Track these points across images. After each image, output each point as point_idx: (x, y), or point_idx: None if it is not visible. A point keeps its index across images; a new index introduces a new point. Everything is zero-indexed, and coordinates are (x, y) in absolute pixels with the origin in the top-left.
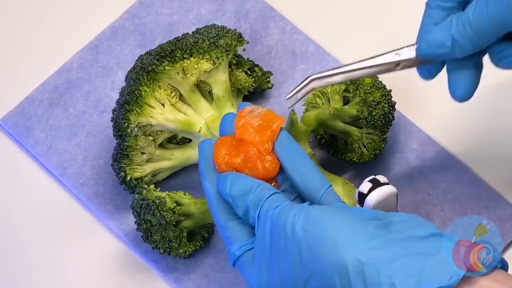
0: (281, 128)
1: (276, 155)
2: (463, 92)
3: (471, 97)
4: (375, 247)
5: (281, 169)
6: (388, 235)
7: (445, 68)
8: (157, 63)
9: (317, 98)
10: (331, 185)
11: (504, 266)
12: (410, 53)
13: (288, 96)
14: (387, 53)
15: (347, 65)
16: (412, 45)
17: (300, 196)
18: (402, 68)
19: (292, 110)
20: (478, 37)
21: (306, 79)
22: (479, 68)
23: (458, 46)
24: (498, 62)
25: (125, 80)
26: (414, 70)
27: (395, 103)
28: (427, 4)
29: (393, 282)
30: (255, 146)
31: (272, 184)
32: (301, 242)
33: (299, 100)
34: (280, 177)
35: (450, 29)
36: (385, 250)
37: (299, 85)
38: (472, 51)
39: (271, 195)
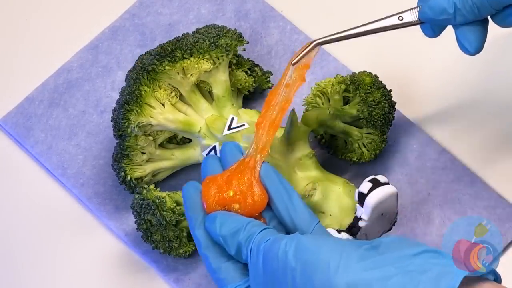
0: (265, 162)
1: (264, 189)
2: (474, 45)
3: (482, 49)
4: (368, 268)
5: (269, 207)
6: (379, 255)
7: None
8: (157, 63)
9: (317, 98)
10: (319, 221)
11: (497, 279)
12: (412, 17)
13: (293, 62)
14: (389, 16)
15: (349, 29)
16: (414, 8)
17: (289, 233)
18: (404, 27)
19: (293, 110)
20: (478, 9)
21: (310, 44)
22: (485, 20)
23: (460, 14)
24: (500, 23)
25: (125, 80)
26: (415, 70)
27: (395, 103)
28: None
29: None
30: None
31: (261, 221)
32: (294, 269)
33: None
34: (267, 215)
35: None
36: (379, 270)
37: (303, 50)
38: (473, 20)
39: (262, 230)
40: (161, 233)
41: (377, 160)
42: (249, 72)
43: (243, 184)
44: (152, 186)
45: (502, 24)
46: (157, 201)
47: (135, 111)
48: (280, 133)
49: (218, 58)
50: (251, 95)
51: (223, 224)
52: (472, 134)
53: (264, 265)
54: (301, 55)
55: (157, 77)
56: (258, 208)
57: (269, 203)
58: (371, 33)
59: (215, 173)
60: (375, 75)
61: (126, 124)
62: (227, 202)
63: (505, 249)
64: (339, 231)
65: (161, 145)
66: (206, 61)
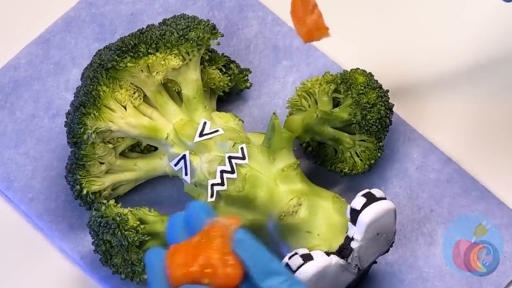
0: (239, 228)
1: (239, 260)
2: None
3: None
4: None
5: (246, 278)
6: None
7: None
8: (118, 59)
9: (303, 100)
10: (305, 286)
11: None
12: None
13: None
14: None
15: None
16: None
17: None
18: None
19: (274, 113)
20: None
21: None
22: None
23: None
24: None
25: (81, 79)
26: (415, 68)
27: (393, 105)
28: None
29: None
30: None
31: None
32: None
33: None
34: (245, 286)
35: None
36: None
37: None
38: None
39: None
40: (123, 256)
41: (372, 172)
42: (224, 69)
43: (214, 256)
44: (112, 202)
45: None
46: (118, 218)
47: (92, 115)
48: (260, 140)
49: (188, 54)
50: (226, 96)
51: None
52: (481, 142)
53: None
54: None
55: (118, 75)
56: (232, 282)
57: (246, 275)
58: None
59: (180, 239)
60: (370, 73)
61: (82, 129)
62: (195, 276)
63: None
64: (328, 254)
65: (122, 154)
66: (174, 57)
